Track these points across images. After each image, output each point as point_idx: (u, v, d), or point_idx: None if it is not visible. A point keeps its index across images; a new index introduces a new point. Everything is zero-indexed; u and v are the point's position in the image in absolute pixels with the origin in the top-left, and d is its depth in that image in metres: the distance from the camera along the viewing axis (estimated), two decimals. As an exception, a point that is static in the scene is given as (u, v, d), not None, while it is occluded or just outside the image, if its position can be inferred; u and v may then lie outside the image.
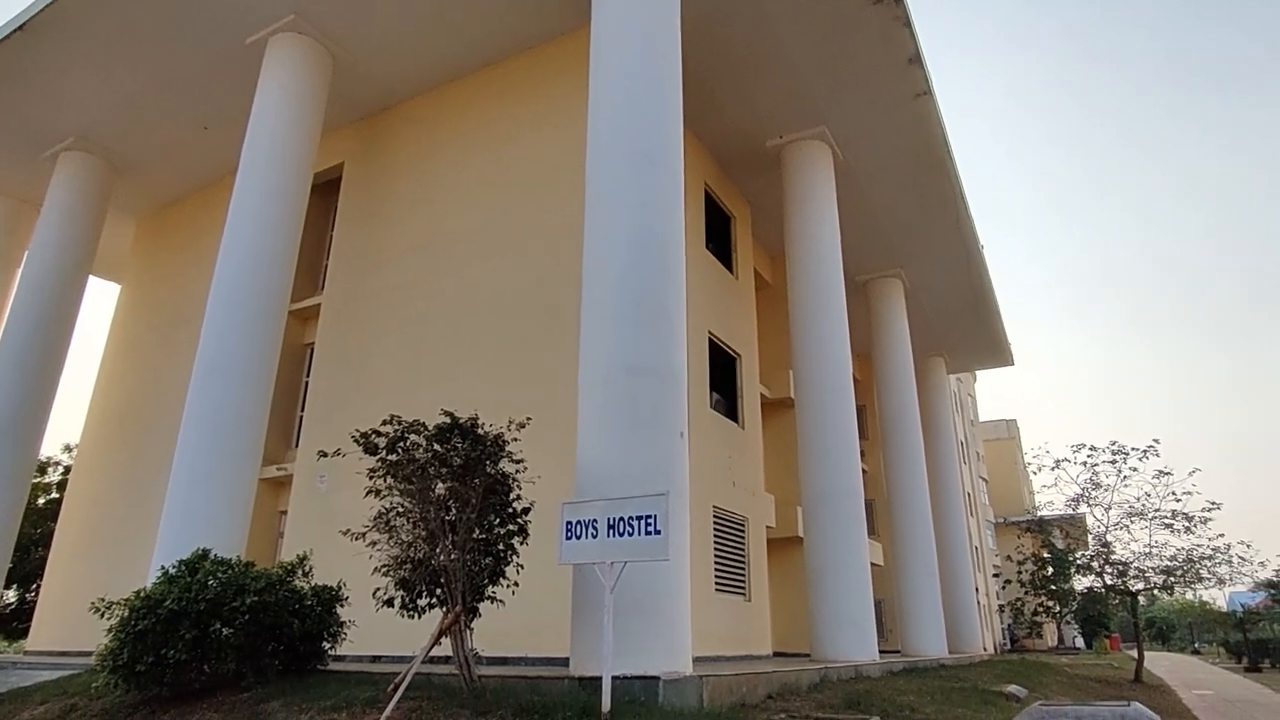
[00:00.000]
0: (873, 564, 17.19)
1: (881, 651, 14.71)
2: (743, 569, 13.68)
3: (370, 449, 7.24)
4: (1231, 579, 20.40)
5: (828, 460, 13.55)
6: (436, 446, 7.16)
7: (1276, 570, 22.18)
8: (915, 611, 17.80)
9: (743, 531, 13.95)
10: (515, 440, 7.46)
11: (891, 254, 19.46)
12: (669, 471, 7.47)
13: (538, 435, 8.14)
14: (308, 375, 14.52)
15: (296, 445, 14.02)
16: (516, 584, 7.17)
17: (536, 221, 12.25)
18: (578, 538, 6.59)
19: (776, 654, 14.78)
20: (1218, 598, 37.52)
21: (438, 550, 6.90)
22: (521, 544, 7.31)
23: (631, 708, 6.11)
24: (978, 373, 42.58)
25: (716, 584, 12.57)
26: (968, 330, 24.36)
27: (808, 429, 13.90)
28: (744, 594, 13.54)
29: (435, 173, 13.95)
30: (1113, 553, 20.09)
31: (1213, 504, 19.92)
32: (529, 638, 9.58)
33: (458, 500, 7.04)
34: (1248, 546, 22.37)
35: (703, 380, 13.30)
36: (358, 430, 7.30)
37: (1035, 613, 22.09)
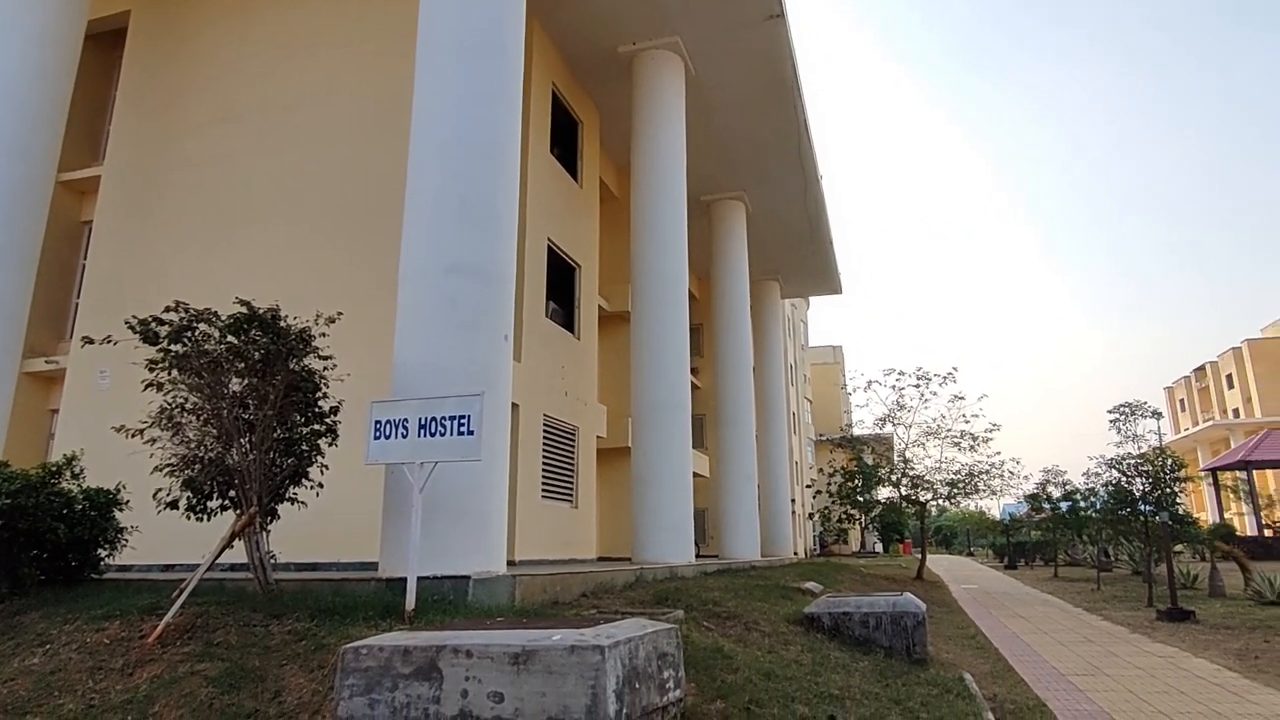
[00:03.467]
0: (698, 475, 18.06)
1: (701, 556, 15.63)
2: (571, 477, 13.88)
3: (150, 338, 6.56)
4: (1002, 491, 23.50)
5: (658, 373, 13.82)
6: (232, 339, 6.60)
7: (1036, 484, 25.59)
8: (733, 519, 18.97)
9: (573, 441, 14.08)
10: (324, 336, 6.99)
11: (736, 176, 19.74)
12: (489, 374, 7.27)
13: (354, 332, 7.65)
14: (85, 258, 12.74)
15: (70, 337, 12.38)
16: (321, 485, 6.86)
17: (363, 99, 11.20)
18: (387, 437, 6.34)
19: (601, 559, 15.31)
20: (992, 508, 43.05)
21: (232, 450, 6.44)
22: (330, 445, 6.98)
23: (439, 605, 6.07)
24: (812, 299, 45.09)
25: (544, 491, 12.67)
26: (802, 257, 25.47)
27: (641, 341, 14.06)
28: (571, 501, 13.78)
29: (246, 32, 12.29)
30: (912, 468, 22.43)
31: (994, 425, 22.70)
32: (342, 543, 9.32)
33: (256, 397, 6.58)
34: (1017, 463, 25.72)
35: (539, 288, 13.02)
36: (135, 317, 6.54)
37: (840, 520, 24.34)
